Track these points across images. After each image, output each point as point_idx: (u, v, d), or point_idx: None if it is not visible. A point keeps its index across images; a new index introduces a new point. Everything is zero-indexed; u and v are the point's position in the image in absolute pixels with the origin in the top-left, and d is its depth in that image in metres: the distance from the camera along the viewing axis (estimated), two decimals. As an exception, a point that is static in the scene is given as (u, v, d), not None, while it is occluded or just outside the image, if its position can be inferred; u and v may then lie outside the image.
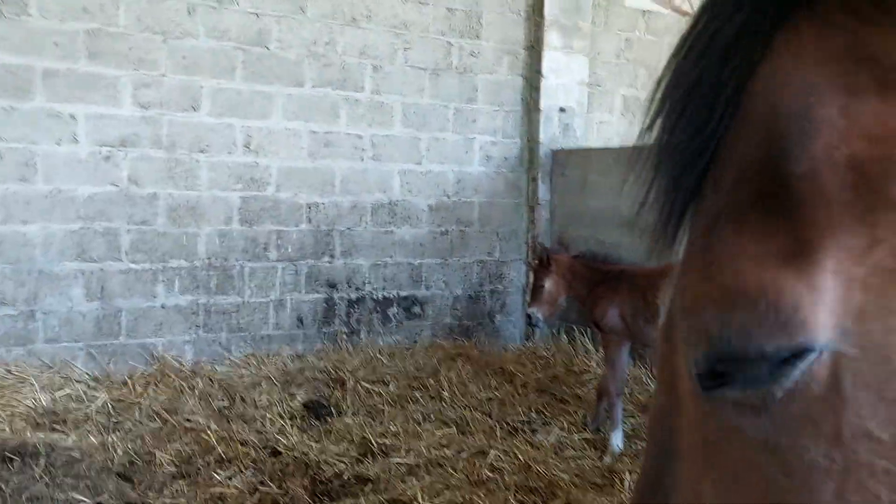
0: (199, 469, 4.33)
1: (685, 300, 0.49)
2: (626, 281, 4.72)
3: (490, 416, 5.33)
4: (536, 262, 5.04)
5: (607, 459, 4.66)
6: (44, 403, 5.04)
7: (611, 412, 4.81)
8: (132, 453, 4.46)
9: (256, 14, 6.24)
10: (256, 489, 4.16)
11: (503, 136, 7.42)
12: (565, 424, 5.18)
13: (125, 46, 5.79)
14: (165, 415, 5.03)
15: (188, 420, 4.97)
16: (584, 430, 5.11)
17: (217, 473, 4.25)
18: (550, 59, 7.39)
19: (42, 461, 4.17)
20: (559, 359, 6.51)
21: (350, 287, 6.81)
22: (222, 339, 6.30)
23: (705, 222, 0.49)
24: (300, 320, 6.62)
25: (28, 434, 4.53)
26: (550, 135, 7.43)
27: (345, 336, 6.77)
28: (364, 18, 6.69)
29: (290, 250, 6.53)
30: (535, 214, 7.47)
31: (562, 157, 7.38)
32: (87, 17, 5.65)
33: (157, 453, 4.44)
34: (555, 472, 4.41)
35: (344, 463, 4.46)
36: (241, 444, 4.63)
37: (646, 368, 6.11)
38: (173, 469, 4.33)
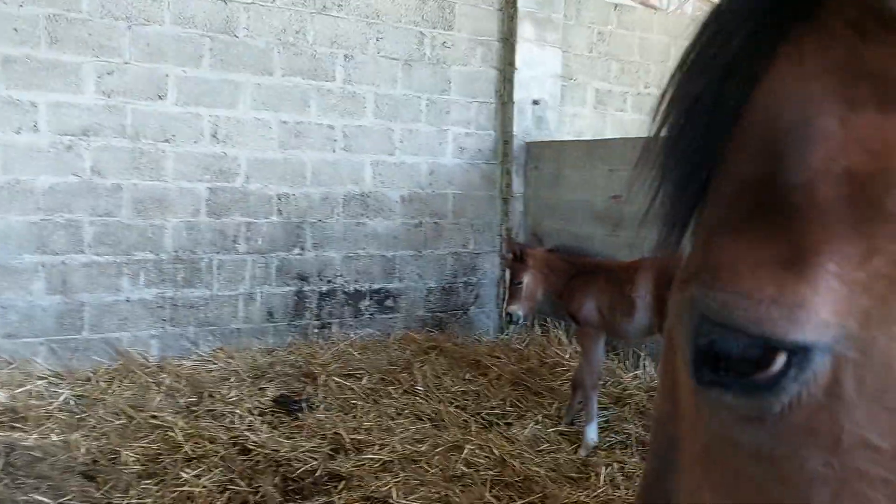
0: (166, 468, 4.21)
1: (685, 293, 0.49)
2: (603, 274, 4.69)
3: (464, 410, 5.28)
4: (511, 258, 4.97)
5: (582, 452, 4.64)
6: (3, 401, 4.86)
7: (586, 405, 4.78)
8: (96, 452, 4.32)
9: (224, 0, 6.09)
10: (226, 488, 4.05)
11: (477, 127, 7.35)
12: (540, 418, 5.14)
13: (87, 32, 5.61)
14: (131, 412, 4.89)
15: (154, 417, 4.83)
16: (559, 423, 5.08)
17: (185, 472, 4.13)
18: (524, 51, 7.34)
19: (1, 461, 4.02)
20: (533, 351, 6.47)
21: (321, 280, 6.71)
22: (190, 334, 6.15)
23: (707, 231, 0.50)
24: (270, 314, 6.50)
25: (-14, 433, 4.37)
26: (524, 127, 7.38)
27: (316, 330, 6.66)
28: (335, 6, 6.57)
29: (259, 243, 6.41)
30: (509, 207, 7.43)
31: (535, 150, 7.34)
32: (48, 1, 5.46)
33: (123, 452, 4.31)
34: (530, 467, 4.37)
35: (316, 459, 4.37)
36: (210, 442, 4.51)
37: (620, 361, 6.11)
38: (139, 468, 4.20)
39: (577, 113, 8.13)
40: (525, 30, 7.34)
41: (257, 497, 3.97)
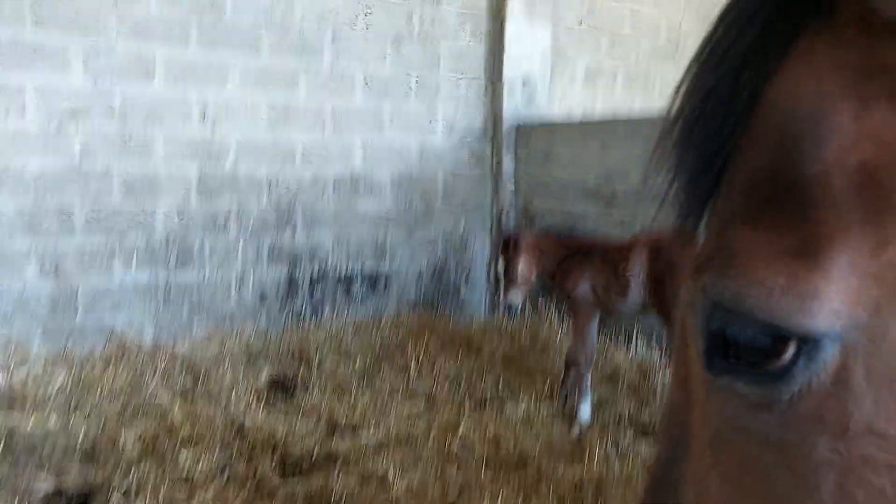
0: (165, 450, 4.24)
1: (698, 281, 0.50)
2: (597, 254, 4.73)
3: (458, 390, 5.34)
4: (503, 247, 4.95)
5: (575, 431, 4.70)
6: (0, 385, 4.88)
7: (579, 384, 4.84)
8: (95, 435, 4.35)
9: (211, -20, 6.02)
10: (224, 469, 4.10)
11: (466, 106, 7.34)
12: (533, 396, 5.20)
13: (73, 12, 5.54)
14: (128, 395, 4.92)
15: (151, 400, 4.86)
16: (552, 402, 5.14)
17: (184, 454, 4.17)
18: (513, 27, 7.30)
19: (1, 444, 4.05)
20: (525, 331, 6.53)
21: (313, 262, 6.72)
22: (183, 317, 6.17)
23: (720, 221, 0.51)
24: (263, 296, 6.51)
25: (-16, 418, 4.39)
26: (514, 105, 7.37)
27: (308, 311, 6.69)
28: (323, -16, 6.51)
29: (250, 225, 6.40)
30: (500, 186, 7.44)
31: (526, 128, 7.34)
32: (32, -19, 5.38)
33: (121, 434, 4.34)
34: (525, 445, 4.44)
35: (312, 440, 4.41)
36: (207, 424, 4.55)
37: (611, 340, 6.17)
38: (138, 450, 4.24)
39: (567, 90, 8.12)
40: (514, 4, 7.29)
41: (255, 478, 4.02)
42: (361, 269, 6.95)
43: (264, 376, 5.40)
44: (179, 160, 6.05)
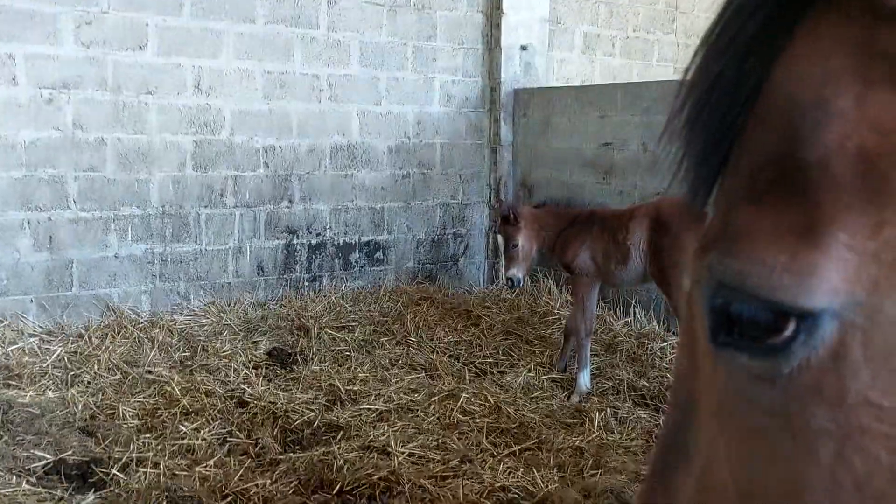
0: (164, 421, 4.24)
1: (704, 259, 0.52)
2: (597, 223, 4.70)
3: (458, 360, 5.33)
4: (502, 220, 4.88)
5: (575, 399, 4.71)
6: (-4, 359, 4.85)
7: (578, 353, 4.84)
8: (94, 407, 4.34)
9: (203, -54, 5.90)
10: (225, 440, 4.10)
11: (464, 75, 7.26)
12: (532, 366, 5.20)
13: (63, -20, 5.43)
14: (125, 367, 4.90)
15: (150, 372, 4.85)
16: (552, 370, 5.14)
17: (184, 425, 4.16)
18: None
19: (-1, 418, 4.03)
20: (523, 301, 6.52)
21: (310, 233, 6.68)
22: (180, 289, 6.13)
23: (726, 202, 0.53)
24: (260, 267, 6.48)
25: (-18, 391, 4.36)
26: (512, 74, 7.29)
27: (306, 283, 6.66)
28: (317, -50, 6.39)
29: (247, 196, 6.35)
30: (498, 156, 7.38)
31: (523, 97, 7.27)
32: (20, -52, 5.26)
33: (120, 407, 4.33)
34: (525, 414, 4.44)
35: (313, 411, 4.41)
36: (207, 395, 4.54)
37: (610, 309, 6.17)
38: (138, 422, 4.23)
39: (564, 58, 8.04)
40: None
41: (257, 448, 4.02)
42: (359, 240, 6.92)
43: (263, 348, 5.39)
44: (174, 131, 5.97)
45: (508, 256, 4.84)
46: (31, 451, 3.76)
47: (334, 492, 3.53)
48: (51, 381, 4.66)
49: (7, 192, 5.41)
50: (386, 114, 6.91)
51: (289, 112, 6.44)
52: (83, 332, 5.42)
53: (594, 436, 4.19)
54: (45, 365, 4.86)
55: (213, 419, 4.27)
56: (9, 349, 5.00)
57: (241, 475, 3.65)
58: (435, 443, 4.08)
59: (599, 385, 4.93)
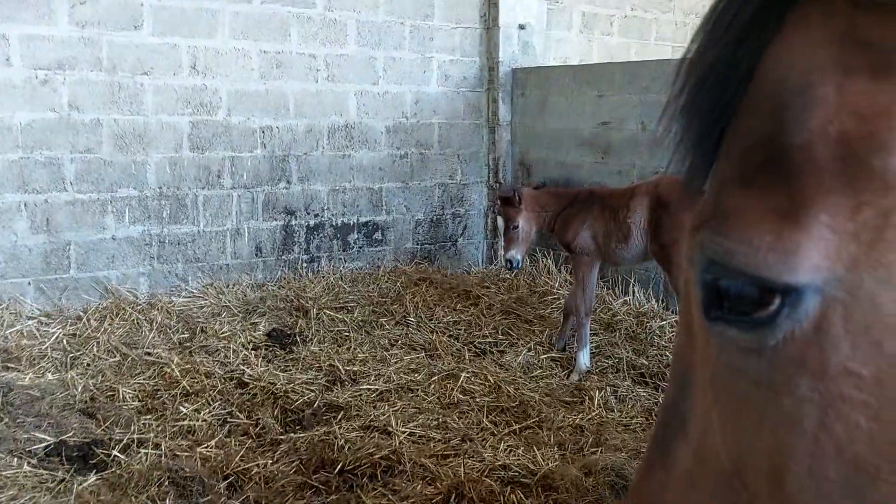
0: (164, 403, 4.24)
1: (696, 238, 0.54)
2: (597, 202, 4.69)
3: (457, 340, 5.34)
4: (504, 202, 4.85)
5: (574, 377, 4.72)
6: (-5, 341, 4.85)
7: (578, 331, 4.84)
8: (94, 389, 4.34)
9: (197, -77, 5.83)
10: (226, 421, 4.10)
11: (462, 54, 7.20)
12: (532, 345, 5.21)
13: (55, -41, 5.36)
14: (125, 349, 4.90)
15: (149, 354, 4.84)
16: (551, 349, 5.15)
17: (184, 407, 4.17)
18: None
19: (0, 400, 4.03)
20: (522, 280, 6.52)
21: (308, 213, 6.65)
22: (178, 270, 6.12)
23: (718, 183, 0.55)
24: (259, 249, 6.46)
25: (-19, 374, 4.36)
26: (510, 53, 7.24)
27: (305, 264, 6.65)
28: (313, -72, 6.32)
29: (244, 177, 6.32)
30: (496, 136, 7.35)
31: (522, 76, 7.22)
32: (11, -74, 5.19)
33: (120, 388, 4.33)
34: (525, 392, 4.45)
35: (313, 391, 4.42)
36: (206, 377, 4.54)
37: (609, 288, 6.17)
38: (138, 404, 4.23)
39: (562, 37, 7.98)
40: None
41: (257, 429, 4.03)
42: (358, 221, 6.90)
43: (262, 329, 5.38)
44: (170, 111, 5.93)
45: (508, 238, 4.83)
46: (32, 432, 3.77)
47: (336, 471, 3.54)
48: (50, 364, 4.66)
49: (3, 174, 5.37)
50: (383, 93, 6.86)
51: (286, 92, 6.40)
52: (82, 314, 5.41)
53: (594, 414, 4.20)
54: (44, 347, 4.85)
55: (213, 400, 4.28)
56: (7, 332, 4.99)
57: (241, 455, 3.66)
58: (435, 422, 4.09)
59: (599, 363, 4.94)
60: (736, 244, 0.50)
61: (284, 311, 5.77)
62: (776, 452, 0.51)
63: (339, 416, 4.13)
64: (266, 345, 5.15)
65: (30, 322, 5.21)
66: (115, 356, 4.81)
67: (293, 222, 6.58)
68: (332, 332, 5.40)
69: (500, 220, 4.94)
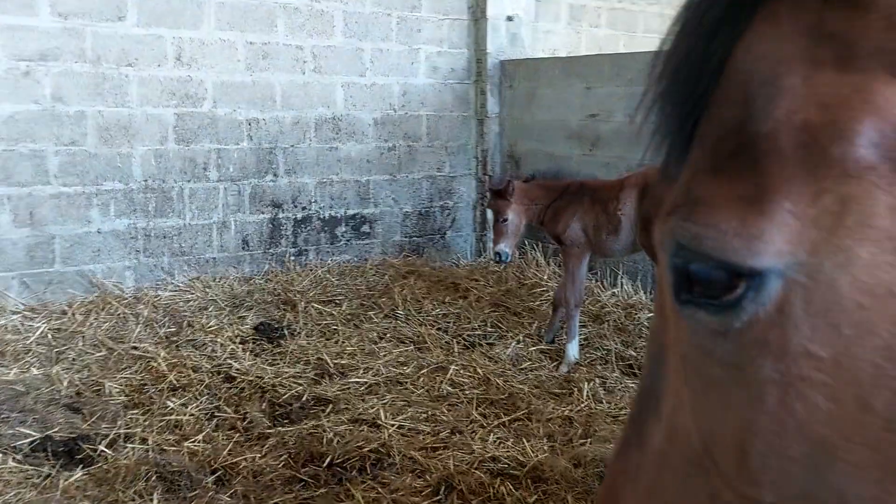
0: (151, 397, 4.20)
1: (667, 224, 0.56)
2: (587, 194, 4.68)
3: (446, 332, 5.32)
4: (494, 194, 4.82)
5: (563, 369, 4.72)
6: (-22, 336, 4.79)
7: (568, 323, 4.84)
8: (79, 384, 4.30)
9: (182, -87, 5.76)
10: (213, 415, 4.07)
11: (449, 46, 7.17)
12: (521, 337, 5.21)
13: (37, -51, 5.28)
14: (111, 343, 4.85)
15: (135, 348, 4.80)
16: (540, 342, 5.15)
17: (171, 401, 4.13)
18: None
19: (-18, 396, 3.98)
20: (511, 273, 6.51)
21: (296, 206, 6.61)
22: (164, 264, 6.07)
23: (690, 171, 0.57)
24: (245, 242, 6.42)
25: (-36, 369, 4.31)
26: (498, 45, 7.21)
27: (292, 257, 6.61)
28: (299, -82, 6.26)
29: (231, 170, 6.27)
30: (484, 128, 7.32)
31: (510, 68, 7.20)
32: (-8, -85, 5.11)
33: (106, 383, 4.29)
34: (514, 384, 4.45)
35: (301, 385, 4.39)
36: (194, 371, 4.51)
37: (597, 280, 6.17)
38: (124, 398, 4.19)
39: (550, 29, 7.97)
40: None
41: (245, 423, 4.00)
42: (345, 213, 6.86)
43: (249, 322, 5.35)
44: (155, 103, 5.87)
45: (497, 231, 4.80)
46: (17, 428, 3.72)
47: (324, 465, 3.53)
48: (35, 359, 4.61)
49: (-15, 167, 5.30)
50: (371, 85, 6.83)
51: (272, 84, 6.35)
52: (67, 308, 5.36)
53: (583, 405, 4.20)
54: (28, 342, 4.80)
55: (200, 394, 4.24)
56: (-9, 326, 4.93)
57: (229, 450, 3.63)
58: (424, 415, 4.08)
59: (588, 355, 4.94)
60: (704, 229, 0.52)
61: (272, 304, 5.73)
62: (742, 431, 0.53)
63: (328, 410, 4.11)
64: (253, 338, 5.12)
65: (14, 317, 5.15)
66: (100, 350, 4.77)
67: (280, 215, 6.54)
68: (319, 325, 5.37)
69: (489, 213, 4.92)
